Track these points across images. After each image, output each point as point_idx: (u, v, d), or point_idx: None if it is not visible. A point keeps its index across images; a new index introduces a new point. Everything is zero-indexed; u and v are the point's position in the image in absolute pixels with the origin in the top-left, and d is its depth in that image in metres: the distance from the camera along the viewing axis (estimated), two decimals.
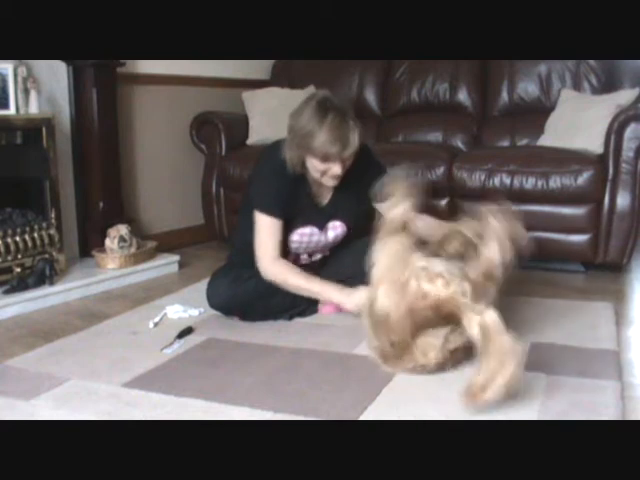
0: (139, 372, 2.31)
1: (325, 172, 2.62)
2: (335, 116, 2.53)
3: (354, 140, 2.55)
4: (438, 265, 2.18)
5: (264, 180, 2.77)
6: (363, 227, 2.92)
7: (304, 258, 2.91)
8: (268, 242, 2.72)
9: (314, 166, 2.62)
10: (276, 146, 2.77)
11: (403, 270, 2.15)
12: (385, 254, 2.21)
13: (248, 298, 2.76)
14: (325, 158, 2.57)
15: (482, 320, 2.02)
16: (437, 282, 2.12)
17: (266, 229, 2.72)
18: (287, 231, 2.78)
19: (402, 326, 2.13)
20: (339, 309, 2.85)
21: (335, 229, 2.88)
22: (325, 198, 2.84)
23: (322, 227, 2.84)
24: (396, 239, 2.22)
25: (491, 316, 2.02)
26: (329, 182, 2.69)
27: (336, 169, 2.60)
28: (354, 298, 2.58)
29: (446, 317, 2.13)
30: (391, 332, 2.16)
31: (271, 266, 2.72)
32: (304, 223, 2.80)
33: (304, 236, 2.82)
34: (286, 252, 2.82)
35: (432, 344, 2.18)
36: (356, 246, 2.80)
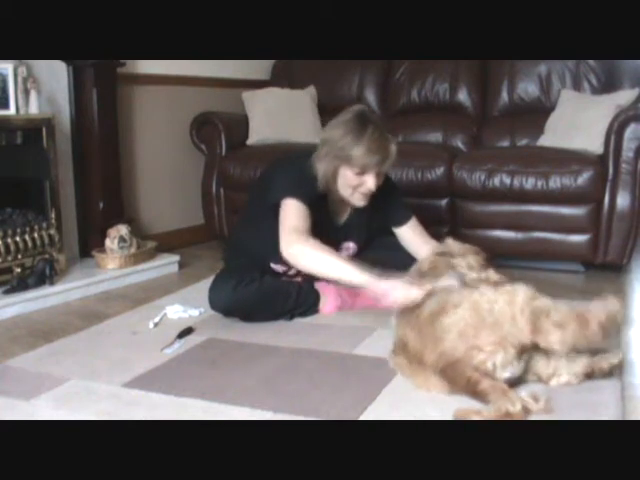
0: (139, 372, 2.31)
1: (358, 187, 2.63)
2: (375, 128, 2.59)
3: (393, 152, 2.61)
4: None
5: (292, 177, 2.71)
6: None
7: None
8: (295, 219, 2.60)
9: (347, 180, 2.63)
10: (299, 158, 2.78)
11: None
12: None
13: (251, 301, 2.75)
14: (363, 169, 2.58)
15: None
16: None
17: (292, 210, 2.63)
18: None
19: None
20: (340, 308, 2.86)
21: (348, 250, 2.91)
22: (342, 218, 2.88)
23: (337, 247, 2.81)
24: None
25: None
26: (359, 201, 2.70)
27: (370, 183, 2.61)
28: (407, 291, 2.30)
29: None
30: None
31: (297, 239, 2.57)
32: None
33: None
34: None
35: None
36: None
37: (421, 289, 2.25)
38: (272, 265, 2.85)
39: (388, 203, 2.87)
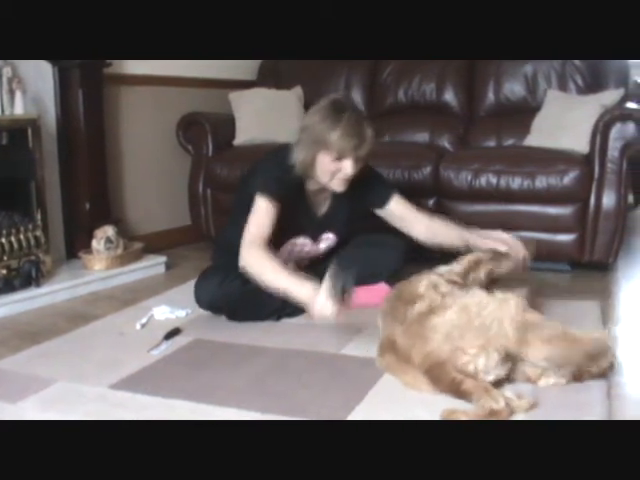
0: (126, 373, 2.30)
1: (336, 173, 2.62)
2: (352, 114, 2.59)
3: (370, 137, 2.60)
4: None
5: (268, 169, 2.75)
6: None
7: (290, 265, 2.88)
8: (256, 227, 2.64)
9: (325, 166, 2.62)
10: (280, 149, 2.79)
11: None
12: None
13: (236, 297, 2.75)
14: (340, 154, 2.57)
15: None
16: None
17: (259, 213, 2.65)
18: (279, 239, 2.76)
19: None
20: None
21: (327, 240, 2.91)
22: (322, 209, 2.87)
23: (316, 238, 2.86)
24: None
25: None
26: (338, 186, 2.68)
27: (348, 168, 2.59)
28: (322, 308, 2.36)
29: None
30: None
31: (249, 250, 2.61)
32: (297, 232, 2.81)
33: (295, 246, 2.84)
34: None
35: None
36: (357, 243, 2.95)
37: (337, 307, 2.31)
38: None
39: (368, 188, 2.85)
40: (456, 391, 1.99)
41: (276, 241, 2.73)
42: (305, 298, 2.43)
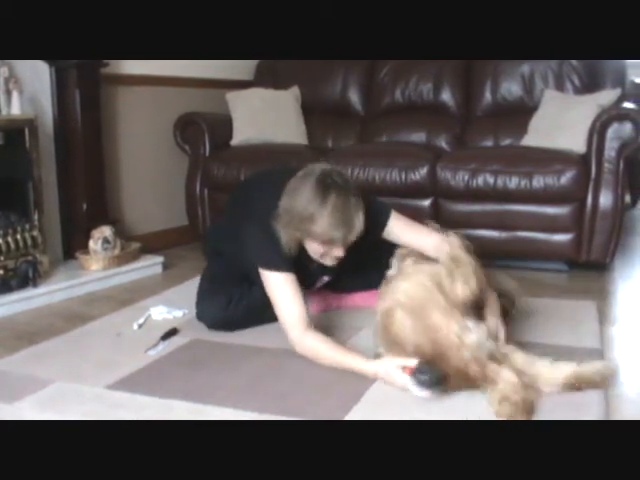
0: (124, 374, 2.30)
1: (325, 253, 2.44)
2: (338, 196, 2.30)
3: (359, 223, 2.34)
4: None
5: (260, 241, 2.49)
6: None
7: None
8: (292, 308, 2.39)
9: (314, 249, 2.44)
10: (260, 210, 2.52)
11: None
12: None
13: (240, 318, 2.72)
14: (328, 243, 2.38)
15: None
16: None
17: (283, 288, 2.42)
18: None
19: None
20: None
21: (322, 281, 2.81)
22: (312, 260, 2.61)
23: (311, 286, 2.74)
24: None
25: None
26: (329, 262, 2.50)
27: (338, 252, 2.42)
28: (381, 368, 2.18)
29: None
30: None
31: (302, 340, 2.37)
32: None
33: None
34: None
35: None
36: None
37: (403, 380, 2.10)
38: None
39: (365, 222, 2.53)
40: (466, 379, 2.04)
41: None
42: (372, 374, 2.20)
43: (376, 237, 2.62)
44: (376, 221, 2.57)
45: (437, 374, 2.02)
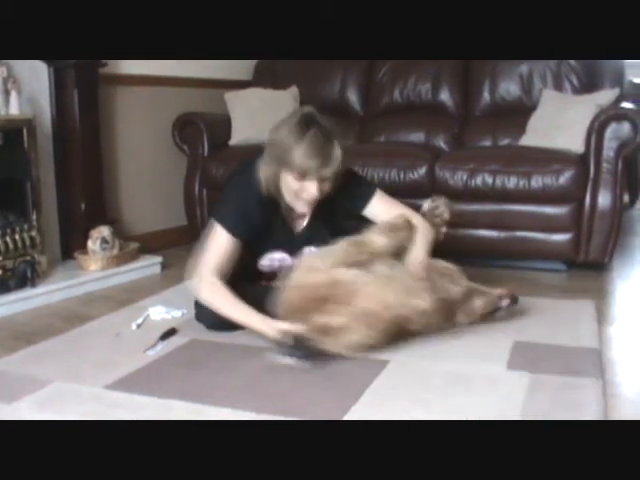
0: (122, 374, 2.30)
1: (299, 193, 2.48)
2: (317, 131, 2.41)
3: (336, 158, 2.42)
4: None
5: (234, 196, 2.62)
6: None
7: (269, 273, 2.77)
8: (214, 260, 2.55)
9: (289, 185, 2.48)
10: (249, 164, 2.63)
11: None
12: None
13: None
14: (302, 174, 2.42)
15: None
16: None
17: (219, 246, 2.56)
18: (256, 254, 2.68)
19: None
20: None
21: (311, 253, 2.73)
22: (300, 224, 2.72)
23: (295, 254, 2.69)
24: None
25: None
26: (302, 208, 2.55)
27: (312, 190, 2.45)
28: (275, 327, 2.38)
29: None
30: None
31: (205, 288, 2.56)
32: (274, 247, 2.68)
33: (274, 261, 2.71)
34: (255, 272, 2.74)
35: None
36: None
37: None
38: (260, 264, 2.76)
39: (347, 194, 2.65)
40: None
41: (253, 255, 2.67)
42: (266, 333, 2.41)
43: (357, 211, 2.69)
44: (360, 193, 2.70)
45: (301, 346, 2.29)
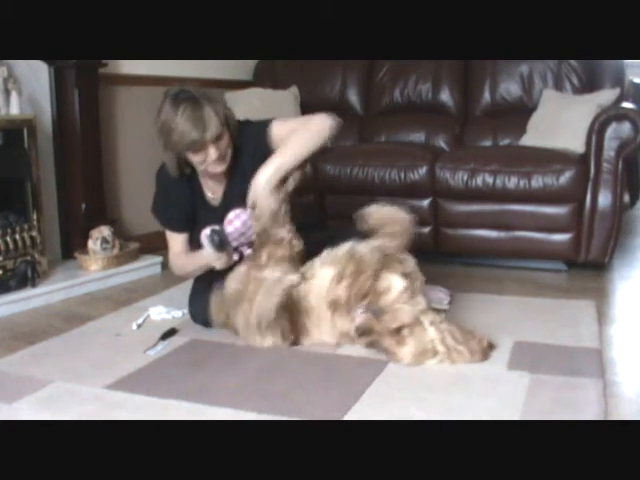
0: (123, 374, 2.30)
1: (204, 162, 2.54)
2: (187, 105, 2.46)
3: (211, 121, 2.45)
4: None
5: (161, 196, 2.84)
6: None
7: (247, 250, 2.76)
8: (173, 248, 2.83)
9: (193, 160, 2.56)
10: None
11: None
12: None
13: None
14: (193, 148, 2.49)
15: None
16: None
17: (172, 240, 2.83)
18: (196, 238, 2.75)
19: None
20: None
21: (239, 217, 2.67)
22: (218, 193, 2.75)
23: (223, 221, 2.68)
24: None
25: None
26: (216, 168, 2.58)
27: (211, 154, 2.50)
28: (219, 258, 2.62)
29: None
30: None
31: (170, 261, 2.85)
32: (204, 226, 2.66)
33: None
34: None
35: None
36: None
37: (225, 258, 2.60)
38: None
39: (248, 148, 2.65)
40: None
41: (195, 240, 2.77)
42: (208, 261, 2.65)
43: (269, 149, 2.61)
44: (258, 134, 2.65)
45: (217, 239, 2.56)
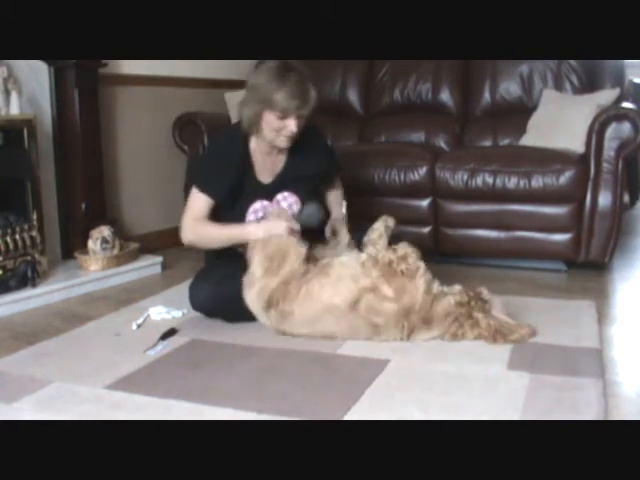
0: (123, 374, 2.30)
1: (280, 130, 2.70)
2: (296, 75, 2.67)
3: (312, 99, 2.69)
4: None
5: (209, 160, 2.94)
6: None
7: None
8: (193, 214, 2.81)
9: (270, 123, 2.70)
10: (223, 134, 2.93)
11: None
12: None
13: (232, 296, 2.71)
14: (284, 113, 2.65)
15: None
16: None
17: (196, 202, 2.82)
18: (238, 214, 2.84)
19: None
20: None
21: (286, 199, 2.89)
22: (269, 176, 2.91)
23: (270, 199, 2.88)
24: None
25: None
26: (282, 143, 2.76)
27: (292, 126, 2.68)
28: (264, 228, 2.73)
29: None
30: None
31: (188, 232, 2.83)
32: (249, 202, 2.84)
33: (258, 212, 2.85)
34: None
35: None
36: None
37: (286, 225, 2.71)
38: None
39: (322, 156, 3.01)
40: None
41: (235, 215, 2.83)
42: (252, 232, 2.74)
43: (330, 175, 3.14)
44: (335, 163, 3.15)
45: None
